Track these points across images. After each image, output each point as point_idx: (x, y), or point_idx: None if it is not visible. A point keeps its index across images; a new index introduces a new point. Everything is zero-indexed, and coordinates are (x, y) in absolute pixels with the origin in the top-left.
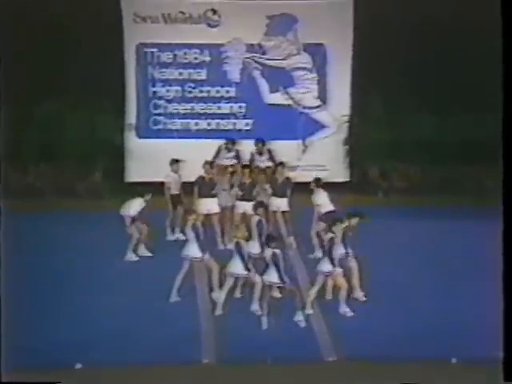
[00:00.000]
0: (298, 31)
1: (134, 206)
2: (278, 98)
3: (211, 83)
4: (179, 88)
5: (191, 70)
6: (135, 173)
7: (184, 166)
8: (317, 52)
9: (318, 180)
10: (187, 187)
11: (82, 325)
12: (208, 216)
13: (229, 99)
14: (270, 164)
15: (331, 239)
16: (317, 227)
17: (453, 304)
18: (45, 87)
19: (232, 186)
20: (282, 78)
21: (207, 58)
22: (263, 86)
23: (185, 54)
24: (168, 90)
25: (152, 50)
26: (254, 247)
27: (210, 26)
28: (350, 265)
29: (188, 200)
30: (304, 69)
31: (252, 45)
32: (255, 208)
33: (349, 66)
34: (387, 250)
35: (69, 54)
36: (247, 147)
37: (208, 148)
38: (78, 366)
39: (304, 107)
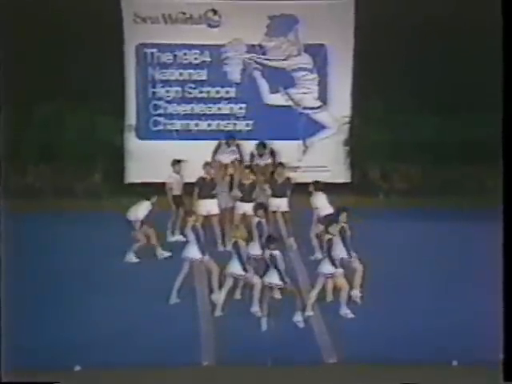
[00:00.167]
0: (299, 32)
1: (142, 210)
2: (278, 99)
3: (211, 84)
4: (179, 89)
5: (191, 71)
6: (135, 174)
7: (184, 166)
8: (317, 53)
9: (316, 183)
10: (187, 188)
11: (81, 326)
12: (208, 217)
13: (229, 100)
14: (269, 161)
15: (329, 240)
16: (316, 229)
17: (453, 306)
18: (44, 88)
19: (232, 187)
20: (282, 79)
21: (207, 59)
22: (263, 86)
23: (185, 54)
24: (168, 91)
25: (152, 50)
26: (253, 248)
27: (210, 26)
28: (354, 266)
29: (188, 201)
30: (305, 69)
31: (252, 45)
32: (255, 209)
33: (349, 67)
34: (388, 251)
35: (68, 55)
36: (247, 148)
37: (208, 149)
38: (77, 368)
39: (304, 108)
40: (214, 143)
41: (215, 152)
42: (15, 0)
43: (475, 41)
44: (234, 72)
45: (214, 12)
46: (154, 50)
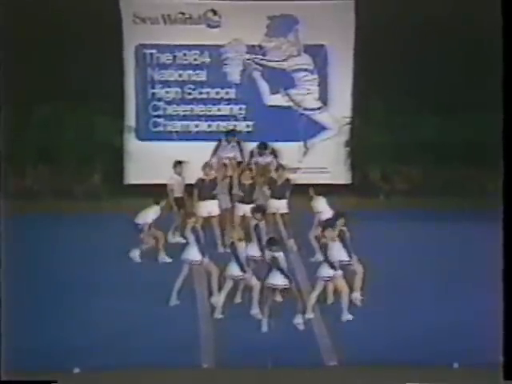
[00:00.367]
0: (299, 32)
1: (151, 214)
2: (278, 100)
3: (211, 84)
4: (179, 89)
5: (191, 72)
6: (135, 175)
7: (185, 167)
8: (318, 53)
9: (317, 187)
10: (188, 189)
11: (80, 328)
12: (208, 218)
13: (229, 101)
14: (269, 160)
15: (325, 244)
16: (315, 232)
17: (455, 307)
18: (44, 88)
19: (231, 188)
20: (282, 80)
21: (207, 59)
22: (263, 87)
23: (184, 55)
24: (167, 92)
25: (151, 51)
26: (252, 249)
27: (210, 26)
28: (354, 268)
29: (188, 202)
30: (305, 70)
31: (252, 46)
32: (253, 212)
33: (350, 68)
34: (388, 252)
35: (68, 55)
36: (248, 148)
37: (208, 150)
38: (76, 370)
39: (305, 109)
40: (214, 144)
41: (215, 151)
42: (15, 0)
43: (476, 41)
44: (234, 73)
45: (214, 12)
46: (154, 51)
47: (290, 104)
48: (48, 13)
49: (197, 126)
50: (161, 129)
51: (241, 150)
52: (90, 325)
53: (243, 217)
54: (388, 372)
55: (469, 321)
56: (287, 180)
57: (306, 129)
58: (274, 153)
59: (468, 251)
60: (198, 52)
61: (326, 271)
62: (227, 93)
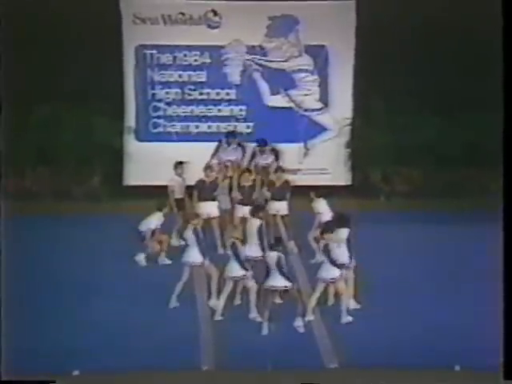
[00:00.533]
0: (300, 33)
1: (154, 221)
2: (278, 101)
3: (211, 85)
4: (179, 90)
5: (191, 72)
6: (134, 176)
7: (186, 169)
8: (318, 54)
9: (317, 189)
10: (188, 191)
11: (79, 331)
12: (207, 220)
13: (229, 101)
14: (270, 161)
15: (326, 245)
16: (315, 233)
17: (455, 309)
18: (43, 89)
19: (231, 189)
20: (283, 80)
21: (207, 60)
22: (264, 88)
23: (185, 55)
24: (168, 93)
25: (151, 51)
26: (250, 250)
27: (210, 27)
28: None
29: (189, 204)
30: (305, 71)
31: (253, 46)
32: (254, 212)
33: (351, 68)
34: (389, 253)
35: (67, 56)
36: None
37: (208, 151)
38: (76, 372)
39: (305, 110)
40: (214, 145)
41: (215, 153)
42: (15, 0)
43: (476, 41)
44: (234, 73)
45: (214, 13)
46: (154, 51)
47: (291, 105)
48: (48, 13)
49: (197, 126)
50: (161, 130)
51: (243, 153)
52: (89, 327)
53: (242, 218)
54: (389, 374)
55: (470, 323)
56: (286, 182)
57: (306, 130)
58: (276, 153)
59: (468, 253)
60: (198, 53)
61: (331, 272)
62: (227, 94)
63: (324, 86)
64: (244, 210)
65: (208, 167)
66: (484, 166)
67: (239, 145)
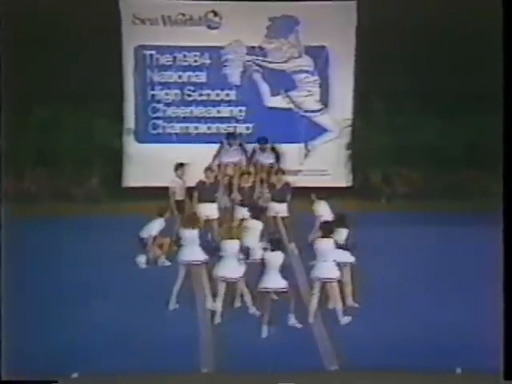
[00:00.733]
0: (300, 33)
1: (156, 227)
2: (279, 102)
3: (211, 86)
4: (178, 91)
5: (191, 73)
6: (134, 178)
7: (186, 170)
8: (319, 55)
9: (317, 191)
10: (188, 192)
11: (79, 332)
12: (207, 221)
13: (229, 102)
14: (271, 161)
15: (326, 246)
16: (315, 234)
17: (455, 310)
18: (42, 90)
19: (231, 191)
20: (283, 81)
21: (207, 61)
22: (264, 89)
23: (184, 56)
24: (167, 94)
25: (151, 52)
26: (249, 251)
27: (210, 27)
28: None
29: (188, 205)
30: (305, 72)
31: (253, 47)
32: (254, 213)
33: (351, 69)
34: (389, 255)
35: (66, 57)
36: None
37: (208, 152)
38: (75, 375)
39: (305, 111)
40: (214, 146)
41: (217, 155)
42: (15, 0)
43: (477, 42)
44: (234, 74)
45: (214, 13)
46: (153, 52)
47: (291, 106)
48: (48, 13)
49: (196, 128)
50: (160, 131)
51: (245, 155)
52: (88, 329)
53: (242, 219)
54: (390, 377)
55: (471, 324)
56: (286, 184)
57: (306, 131)
58: (277, 155)
59: (469, 254)
60: (198, 53)
61: (325, 273)
62: (227, 94)
63: (324, 86)
64: (244, 212)
65: (208, 168)
66: (484, 167)
67: (240, 146)
